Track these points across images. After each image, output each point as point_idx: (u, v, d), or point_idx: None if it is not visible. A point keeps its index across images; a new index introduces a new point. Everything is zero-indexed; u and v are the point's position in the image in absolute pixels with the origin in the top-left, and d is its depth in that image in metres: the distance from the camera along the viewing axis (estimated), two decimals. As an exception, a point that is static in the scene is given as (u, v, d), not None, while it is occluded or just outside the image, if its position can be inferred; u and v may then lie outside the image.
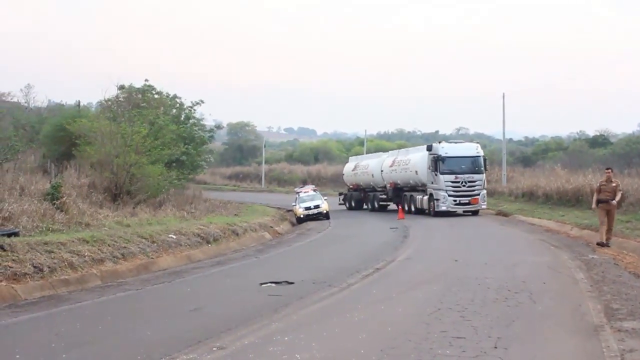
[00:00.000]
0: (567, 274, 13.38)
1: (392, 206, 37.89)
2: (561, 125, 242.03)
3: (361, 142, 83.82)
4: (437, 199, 32.69)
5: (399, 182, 37.20)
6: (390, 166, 38.31)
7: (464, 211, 32.76)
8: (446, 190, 32.47)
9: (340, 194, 45.68)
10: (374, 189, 40.71)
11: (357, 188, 43.02)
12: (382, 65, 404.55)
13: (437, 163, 33.00)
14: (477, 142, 35.88)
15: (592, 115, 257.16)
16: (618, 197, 18.16)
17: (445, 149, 33.46)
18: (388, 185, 38.21)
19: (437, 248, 19.44)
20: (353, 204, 42.58)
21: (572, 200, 29.53)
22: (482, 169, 33.48)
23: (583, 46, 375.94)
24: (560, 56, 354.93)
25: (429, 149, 34.13)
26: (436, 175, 32.97)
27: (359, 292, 12.05)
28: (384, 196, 39.01)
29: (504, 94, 47.89)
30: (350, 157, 50.81)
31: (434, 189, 33.12)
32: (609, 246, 17.41)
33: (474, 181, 32.75)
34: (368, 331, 8.72)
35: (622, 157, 53.74)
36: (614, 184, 18.14)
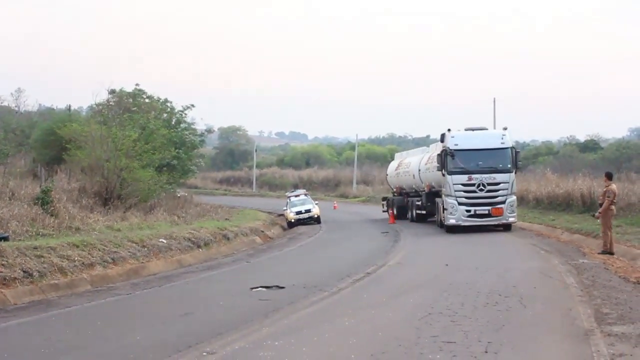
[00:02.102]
0: (558, 279, 13.41)
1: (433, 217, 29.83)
2: (552, 130, 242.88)
3: (352, 147, 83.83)
4: (446, 209, 24.93)
5: (433, 184, 28.60)
6: (426, 164, 30.20)
7: (494, 225, 24.93)
8: (456, 197, 24.53)
9: (383, 199, 38.72)
10: (416, 193, 32.40)
11: (401, 192, 35.12)
12: (373, 70, 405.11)
13: (445, 159, 24.79)
14: (505, 128, 25.93)
15: (583, 120, 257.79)
16: (603, 206, 17.49)
17: (455, 139, 24.95)
18: (425, 188, 29.86)
19: (427, 253, 19.46)
20: (395, 213, 34.24)
21: (562, 204, 29.60)
22: (510, 166, 24.72)
23: (574, 51, 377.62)
24: (550, 61, 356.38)
25: (442, 139, 25.98)
26: (444, 175, 25.11)
27: (350, 297, 12.05)
28: (419, 202, 30.80)
29: (494, 98, 48.06)
30: (395, 154, 43.47)
31: (445, 195, 25.27)
32: (612, 254, 17.05)
33: (497, 183, 24.39)
34: (358, 336, 8.71)
35: (612, 161, 53.87)
36: (604, 190, 18.00)
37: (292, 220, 33.98)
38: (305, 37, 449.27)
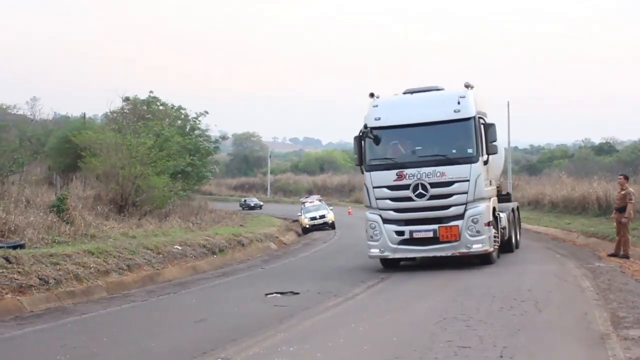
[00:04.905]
0: (573, 283, 13.32)
1: None
2: (566, 133, 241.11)
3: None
4: (366, 231, 15.75)
5: None
6: None
7: (453, 254, 15.02)
8: (379, 209, 15.35)
9: None
10: None
11: None
12: (387, 74, 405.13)
13: (364, 145, 15.60)
14: (468, 86, 15.25)
15: (598, 123, 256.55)
16: (628, 210, 17.05)
17: (379, 110, 15.46)
18: None
19: (442, 257, 19.34)
20: None
21: (578, 208, 29.45)
22: (472, 150, 14.83)
23: (589, 53, 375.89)
24: (565, 64, 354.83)
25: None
26: (362, 173, 15.95)
27: (364, 302, 12.03)
28: None
29: (508, 102, 47.21)
30: None
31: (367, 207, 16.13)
32: (628, 258, 16.80)
33: (448, 183, 14.77)
34: (373, 341, 8.69)
35: (628, 164, 53.58)
36: (623, 192, 17.69)
37: (307, 226, 34.05)
38: (319, 42, 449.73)
